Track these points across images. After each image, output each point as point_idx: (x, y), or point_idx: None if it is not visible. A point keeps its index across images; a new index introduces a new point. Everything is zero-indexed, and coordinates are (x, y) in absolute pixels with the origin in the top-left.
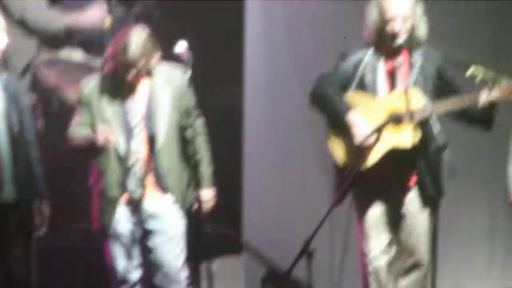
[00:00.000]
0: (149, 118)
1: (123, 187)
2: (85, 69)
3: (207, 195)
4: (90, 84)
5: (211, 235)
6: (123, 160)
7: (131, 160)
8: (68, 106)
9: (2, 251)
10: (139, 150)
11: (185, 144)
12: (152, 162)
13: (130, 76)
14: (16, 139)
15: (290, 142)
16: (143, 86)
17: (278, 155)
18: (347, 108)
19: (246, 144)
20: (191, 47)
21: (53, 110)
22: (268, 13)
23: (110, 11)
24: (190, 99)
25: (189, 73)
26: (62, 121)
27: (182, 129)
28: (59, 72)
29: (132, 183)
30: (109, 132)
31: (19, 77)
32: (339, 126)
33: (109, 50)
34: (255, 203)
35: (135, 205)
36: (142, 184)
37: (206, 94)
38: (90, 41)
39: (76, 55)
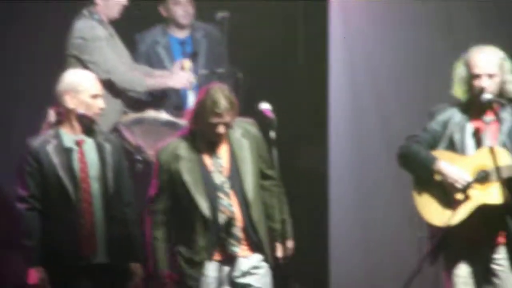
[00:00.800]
0: (235, 174)
1: (211, 249)
2: (170, 129)
3: (290, 245)
4: (166, 149)
5: None
6: (209, 222)
7: (221, 219)
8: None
9: None
10: (229, 207)
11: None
12: (244, 218)
13: (221, 129)
14: (111, 201)
15: (376, 204)
16: (222, 144)
17: (364, 216)
18: (434, 158)
19: (332, 206)
20: (275, 108)
21: (136, 171)
22: (352, 73)
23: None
24: (265, 149)
25: (273, 134)
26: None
27: (262, 182)
28: (144, 132)
29: (227, 241)
30: (171, 277)
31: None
32: (427, 182)
33: (192, 108)
34: (342, 265)
35: (228, 263)
36: (237, 241)
37: (291, 156)
38: (175, 103)
39: (160, 115)
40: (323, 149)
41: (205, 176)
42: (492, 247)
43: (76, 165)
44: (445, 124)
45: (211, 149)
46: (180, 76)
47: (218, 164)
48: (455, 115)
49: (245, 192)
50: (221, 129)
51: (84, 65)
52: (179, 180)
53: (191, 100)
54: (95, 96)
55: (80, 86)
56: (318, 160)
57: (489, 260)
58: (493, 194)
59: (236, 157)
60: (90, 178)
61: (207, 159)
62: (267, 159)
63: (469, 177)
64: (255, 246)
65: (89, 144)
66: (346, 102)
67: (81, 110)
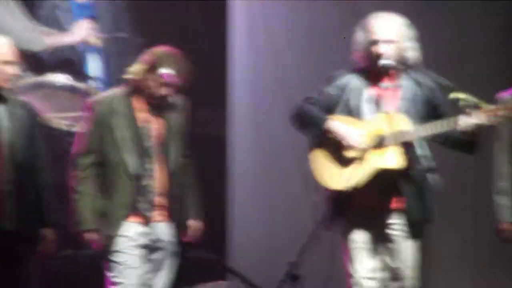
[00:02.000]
0: (163, 141)
1: (132, 208)
2: (69, 93)
3: (198, 225)
4: (102, 102)
5: (195, 261)
6: (134, 181)
7: (144, 181)
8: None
9: (5, 278)
10: (153, 171)
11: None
12: (163, 186)
13: (163, 91)
14: (22, 167)
15: (275, 165)
16: (158, 108)
17: (263, 178)
18: (326, 117)
19: (231, 168)
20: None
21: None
22: (251, 37)
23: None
24: (186, 128)
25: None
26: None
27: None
28: (44, 96)
29: (143, 204)
30: (93, 237)
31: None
32: (324, 145)
33: (137, 67)
34: (240, 227)
35: (146, 225)
36: (152, 206)
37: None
38: (72, 64)
39: (59, 78)
40: (222, 113)
41: (136, 136)
42: (388, 213)
43: None
44: (341, 89)
45: (145, 111)
46: (78, 32)
47: (150, 128)
48: (352, 81)
49: (168, 162)
50: (163, 91)
51: None
52: (111, 134)
53: (92, 65)
54: (5, 63)
55: None
56: (217, 125)
57: (384, 225)
58: (389, 159)
59: (170, 125)
60: (2, 145)
61: (139, 121)
62: (186, 135)
63: (357, 134)
64: (168, 215)
65: (1, 110)
66: (245, 65)
67: None
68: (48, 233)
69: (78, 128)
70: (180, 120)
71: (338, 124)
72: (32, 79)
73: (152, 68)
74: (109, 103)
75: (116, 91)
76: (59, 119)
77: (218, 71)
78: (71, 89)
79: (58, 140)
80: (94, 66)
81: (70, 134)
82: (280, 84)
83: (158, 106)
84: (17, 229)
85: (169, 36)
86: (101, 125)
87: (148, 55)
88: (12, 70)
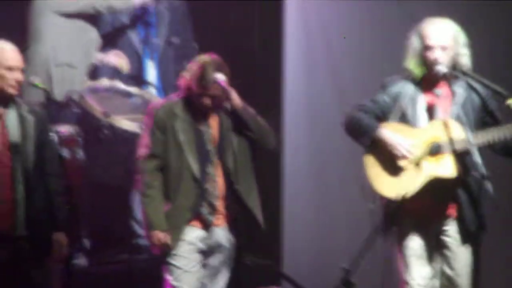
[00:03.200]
0: (221, 146)
1: (195, 211)
2: (125, 97)
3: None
4: (163, 108)
5: (251, 266)
6: (197, 184)
7: (207, 185)
8: (119, 131)
9: (19, 283)
10: (214, 175)
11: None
12: (224, 190)
13: (209, 102)
14: (31, 173)
15: (330, 172)
16: (214, 113)
17: (317, 184)
18: (377, 126)
19: (286, 175)
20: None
21: (104, 136)
22: (307, 44)
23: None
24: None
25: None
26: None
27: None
28: (101, 100)
29: (205, 208)
30: (166, 239)
31: (60, 107)
32: (379, 153)
33: (187, 76)
34: (295, 234)
35: (206, 230)
36: (215, 210)
37: None
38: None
39: (115, 84)
40: (277, 120)
41: (198, 140)
42: (443, 220)
43: None
44: (396, 97)
45: (204, 117)
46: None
47: (209, 132)
48: (406, 88)
49: (227, 166)
50: (206, 101)
51: None
52: (173, 139)
53: (150, 71)
54: (10, 68)
55: None
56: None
57: (440, 232)
58: (445, 167)
59: (224, 129)
60: (10, 151)
61: (200, 125)
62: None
63: (408, 144)
64: (228, 219)
65: (11, 116)
66: (301, 75)
67: None
68: (59, 237)
69: (141, 133)
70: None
71: (389, 134)
72: (89, 82)
73: (200, 77)
74: (170, 108)
75: (176, 96)
76: (130, 120)
77: (273, 78)
78: (126, 94)
79: (128, 142)
80: (152, 72)
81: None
82: (336, 90)
83: (212, 110)
84: (29, 235)
85: (222, 42)
86: (164, 129)
87: (195, 65)
88: (17, 75)
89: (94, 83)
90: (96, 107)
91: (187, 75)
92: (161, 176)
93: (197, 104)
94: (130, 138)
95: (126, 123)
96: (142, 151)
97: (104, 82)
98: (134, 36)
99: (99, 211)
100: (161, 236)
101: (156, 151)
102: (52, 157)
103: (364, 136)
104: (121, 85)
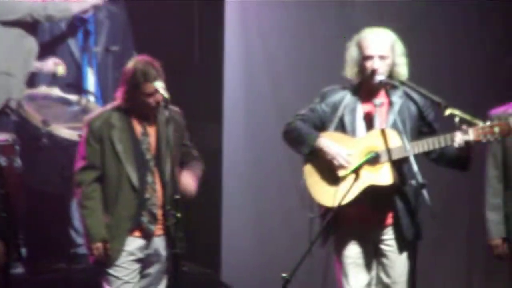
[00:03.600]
0: (159, 154)
1: (135, 221)
2: (63, 105)
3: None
4: (99, 118)
5: (190, 274)
6: (137, 194)
7: (147, 194)
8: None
9: None
10: (154, 184)
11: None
12: (162, 199)
13: (153, 102)
14: None
15: (270, 181)
16: (151, 121)
17: (257, 193)
18: (316, 135)
19: (225, 183)
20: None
21: (43, 145)
22: (247, 50)
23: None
24: (187, 138)
25: (167, 112)
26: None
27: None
28: (39, 108)
29: (146, 218)
30: (107, 249)
31: None
32: (317, 162)
33: (123, 84)
34: (234, 241)
35: (146, 239)
36: (155, 219)
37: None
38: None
39: (52, 91)
40: (217, 127)
41: (136, 149)
42: (380, 228)
43: None
44: (335, 106)
45: (141, 125)
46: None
47: (146, 141)
48: (345, 97)
49: (164, 173)
50: (158, 97)
51: None
52: (110, 149)
53: (90, 79)
54: None
55: None
56: (213, 139)
57: (377, 240)
58: (382, 175)
59: (161, 137)
60: None
61: (137, 134)
62: (188, 148)
63: (347, 153)
64: (166, 227)
65: None
66: (240, 80)
67: None
68: None
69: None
70: (172, 132)
71: (328, 143)
72: (27, 90)
73: (136, 83)
74: (107, 118)
75: (112, 105)
76: (69, 129)
77: (214, 86)
78: (64, 101)
79: (67, 150)
80: (91, 80)
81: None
82: (275, 98)
83: (151, 118)
84: None
85: (162, 49)
86: (101, 140)
87: (128, 70)
88: None
89: (32, 90)
90: (34, 115)
91: (123, 81)
92: (100, 187)
93: (136, 110)
94: (70, 147)
95: (65, 132)
96: (79, 162)
97: (42, 89)
98: (73, 44)
99: (37, 220)
100: (101, 247)
101: (93, 162)
102: None
103: (303, 145)
104: (59, 93)
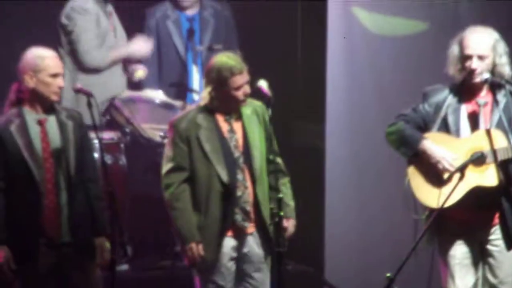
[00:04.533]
0: (247, 150)
1: (229, 220)
2: (165, 110)
3: (292, 225)
4: (185, 119)
5: (292, 273)
6: (228, 192)
7: (238, 192)
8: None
9: None
10: (244, 181)
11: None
12: (253, 195)
13: (242, 95)
14: (73, 179)
15: (373, 180)
16: (236, 118)
17: (360, 193)
18: (420, 137)
19: (328, 182)
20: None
21: (125, 143)
22: (350, 49)
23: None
24: (271, 132)
25: (270, 111)
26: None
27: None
28: (137, 111)
29: (239, 215)
30: (200, 250)
31: (101, 115)
32: (421, 162)
33: (207, 80)
34: (337, 240)
35: (241, 238)
36: (248, 217)
37: (287, 133)
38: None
39: (156, 95)
40: (320, 126)
41: (224, 148)
42: (486, 228)
43: (39, 144)
44: (438, 106)
45: (227, 123)
46: (139, 43)
47: (234, 138)
48: (448, 97)
49: (254, 169)
50: (247, 89)
51: (67, 34)
52: (199, 149)
53: (195, 78)
54: (54, 75)
55: (38, 66)
56: (315, 137)
57: (483, 241)
58: (488, 176)
59: (248, 133)
60: (53, 157)
61: (224, 133)
62: (273, 142)
63: (451, 158)
64: (259, 224)
65: (51, 123)
66: (343, 78)
67: (40, 89)
68: (101, 242)
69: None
70: (258, 127)
71: (432, 146)
72: (129, 92)
73: (223, 79)
74: (192, 119)
75: (197, 106)
76: (153, 129)
77: (316, 84)
78: (166, 106)
79: (150, 151)
80: (196, 78)
81: (163, 146)
82: (378, 96)
83: (236, 114)
84: (73, 241)
85: (265, 47)
86: (188, 141)
87: (212, 68)
88: (60, 82)
89: (135, 93)
90: (122, 112)
91: (208, 80)
92: (188, 188)
93: (222, 107)
94: (156, 147)
95: (153, 133)
96: (167, 165)
97: (146, 93)
98: (179, 43)
99: (142, 217)
100: (195, 248)
101: (181, 163)
102: (91, 162)
103: (406, 147)
104: (163, 97)
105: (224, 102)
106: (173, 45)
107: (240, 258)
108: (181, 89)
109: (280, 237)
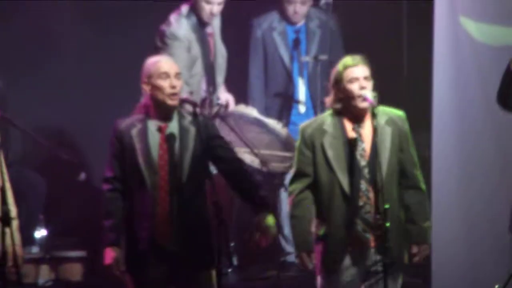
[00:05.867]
0: (374, 160)
1: (349, 229)
2: (257, 127)
3: (425, 250)
4: (312, 124)
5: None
6: (349, 201)
7: (360, 202)
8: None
9: None
10: (368, 191)
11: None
12: (376, 206)
13: (356, 89)
14: (189, 189)
15: (480, 190)
16: (366, 127)
17: (468, 202)
18: None
19: (435, 192)
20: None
21: None
22: (457, 60)
23: None
24: (410, 144)
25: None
26: None
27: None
28: (231, 126)
29: (360, 226)
30: (310, 260)
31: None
32: None
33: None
34: (445, 251)
35: (363, 249)
36: (369, 228)
37: None
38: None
39: (250, 112)
40: (427, 134)
41: (349, 155)
42: None
43: (156, 151)
44: None
45: (356, 131)
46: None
47: (361, 147)
48: None
49: (379, 180)
50: (363, 83)
51: None
52: (322, 155)
53: (301, 90)
54: (165, 75)
55: (149, 71)
56: (422, 146)
57: None
58: None
59: (377, 143)
60: (169, 165)
61: (351, 139)
62: (409, 155)
63: None
64: (381, 236)
65: (173, 129)
66: (450, 89)
67: (157, 95)
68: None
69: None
70: (391, 135)
71: None
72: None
73: (339, 76)
74: (320, 124)
75: (326, 113)
76: (252, 155)
77: (422, 93)
78: (258, 124)
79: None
80: (302, 90)
81: (260, 173)
82: (486, 109)
83: (365, 121)
84: (184, 248)
85: (371, 56)
86: (312, 147)
87: (333, 71)
88: (172, 82)
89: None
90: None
91: (331, 84)
92: (311, 195)
93: (348, 110)
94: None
95: (252, 159)
96: (292, 171)
97: (238, 108)
98: (285, 54)
99: (247, 227)
100: (305, 258)
101: (304, 169)
102: (225, 151)
103: None
104: (256, 114)
105: (344, 101)
106: (279, 56)
107: (364, 270)
108: (286, 100)
109: (387, 248)
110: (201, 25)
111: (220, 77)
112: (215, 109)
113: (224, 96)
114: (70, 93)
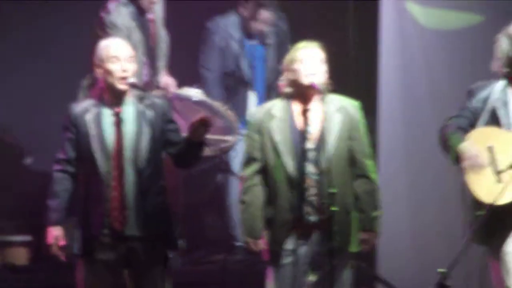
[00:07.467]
0: (321, 144)
1: (295, 213)
2: (202, 108)
3: (373, 237)
4: (261, 110)
5: None
6: (295, 185)
7: (305, 185)
8: None
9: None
10: (312, 176)
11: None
12: (322, 189)
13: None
14: (145, 173)
15: (426, 175)
16: (316, 112)
17: (413, 188)
18: (459, 143)
19: (381, 178)
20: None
21: None
22: (403, 45)
23: None
24: (361, 132)
25: None
26: None
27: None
28: (179, 107)
29: (306, 209)
30: (260, 246)
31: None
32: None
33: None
34: (389, 236)
35: (308, 232)
36: (314, 211)
37: None
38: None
39: (193, 93)
40: (372, 124)
41: (295, 138)
42: None
43: (110, 136)
44: (485, 101)
45: (304, 115)
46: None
47: (308, 131)
48: (495, 91)
49: (324, 163)
50: (315, 63)
51: None
52: (269, 140)
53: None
54: (114, 61)
55: (101, 55)
56: (368, 132)
57: None
58: None
59: (325, 128)
60: (125, 149)
61: (299, 123)
62: (359, 144)
63: (479, 159)
64: (327, 220)
65: (128, 114)
66: (396, 73)
67: (108, 79)
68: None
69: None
70: (341, 122)
71: (465, 147)
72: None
73: (293, 60)
74: (268, 110)
75: (276, 100)
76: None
77: (368, 81)
78: (204, 105)
79: None
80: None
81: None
82: (432, 92)
83: (313, 104)
84: (141, 235)
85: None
86: (261, 132)
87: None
88: (123, 65)
89: (186, 91)
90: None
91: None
92: (260, 180)
93: (297, 93)
94: None
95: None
96: (243, 157)
97: (183, 91)
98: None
99: (195, 211)
100: (252, 243)
101: (252, 154)
102: (177, 136)
103: (451, 151)
104: (201, 96)
105: (294, 83)
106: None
107: (308, 254)
108: (238, 82)
109: (333, 233)
110: (140, 12)
111: (161, 62)
112: (154, 93)
113: (164, 79)
114: (17, 76)
